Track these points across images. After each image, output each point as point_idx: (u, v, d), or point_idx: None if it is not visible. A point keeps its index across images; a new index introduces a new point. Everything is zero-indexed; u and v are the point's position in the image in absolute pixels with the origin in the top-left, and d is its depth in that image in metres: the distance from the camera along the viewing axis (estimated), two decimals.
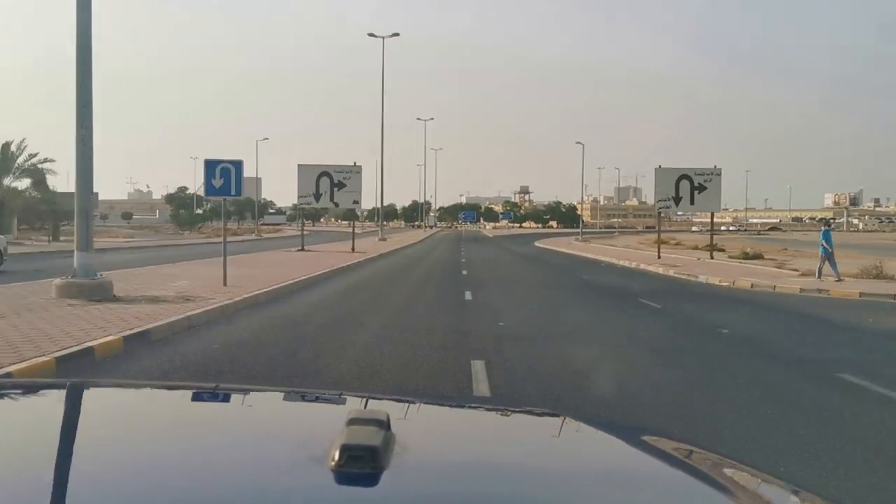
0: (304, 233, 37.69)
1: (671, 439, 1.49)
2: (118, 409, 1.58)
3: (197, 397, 1.75)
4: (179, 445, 1.28)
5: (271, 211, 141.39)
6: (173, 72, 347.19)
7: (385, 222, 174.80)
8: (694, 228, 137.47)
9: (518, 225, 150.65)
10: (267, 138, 74.10)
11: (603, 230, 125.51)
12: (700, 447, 1.47)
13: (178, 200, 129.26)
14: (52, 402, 1.62)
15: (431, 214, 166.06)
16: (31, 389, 1.89)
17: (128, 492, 1.04)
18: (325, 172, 33.20)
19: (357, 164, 33.80)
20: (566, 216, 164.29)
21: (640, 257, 33.10)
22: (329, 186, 33.07)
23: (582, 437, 1.56)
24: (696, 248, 41.38)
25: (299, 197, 33.58)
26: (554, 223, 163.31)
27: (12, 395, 1.66)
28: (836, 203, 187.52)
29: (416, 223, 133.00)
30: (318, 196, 33.24)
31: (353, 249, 33.13)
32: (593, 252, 40.12)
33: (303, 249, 32.93)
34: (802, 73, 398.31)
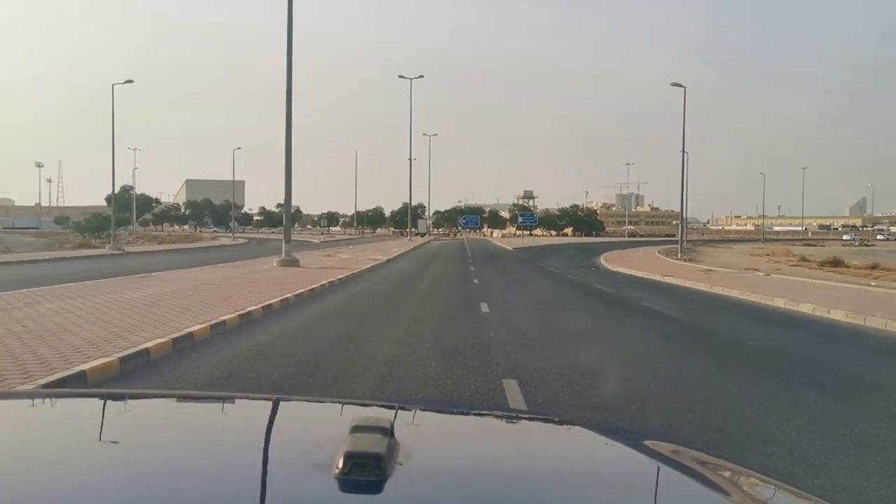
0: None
1: (673, 444, 1.46)
2: (121, 418, 1.55)
3: (200, 406, 1.74)
4: (183, 453, 1.26)
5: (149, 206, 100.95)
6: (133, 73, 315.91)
7: (373, 229, 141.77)
8: (846, 237, 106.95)
9: (528, 233, 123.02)
10: (128, 80, 42.41)
11: (634, 238, 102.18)
12: (702, 451, 1.44)
13: (121, 202, 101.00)
14: (54, 413, 1.58)
15: (425, 219, 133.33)
16: (34, 399, 1.90)
17: (134, 500, 1.03)
18: None
19: None
20: (584, 222, 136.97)
21: None
22: None
23: (586, 443, 1.52)
24: None
25: None
26: (569, 230, 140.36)
27: (13, 406, 1.64)
28: None
29: (405, 230, 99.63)
30: None
31: None
32: None
33: None
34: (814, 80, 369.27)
